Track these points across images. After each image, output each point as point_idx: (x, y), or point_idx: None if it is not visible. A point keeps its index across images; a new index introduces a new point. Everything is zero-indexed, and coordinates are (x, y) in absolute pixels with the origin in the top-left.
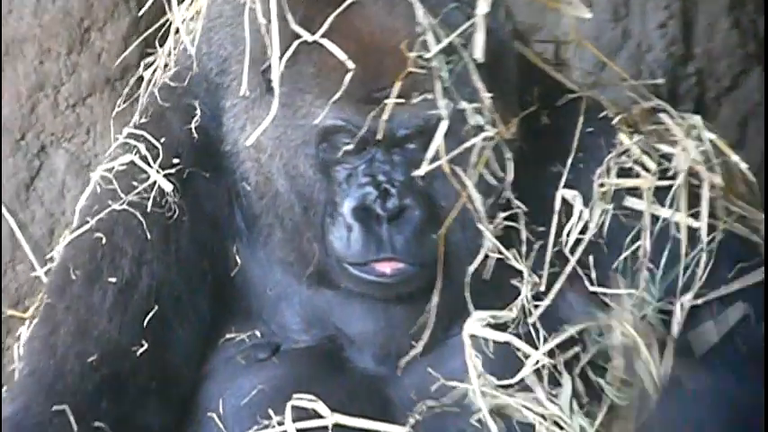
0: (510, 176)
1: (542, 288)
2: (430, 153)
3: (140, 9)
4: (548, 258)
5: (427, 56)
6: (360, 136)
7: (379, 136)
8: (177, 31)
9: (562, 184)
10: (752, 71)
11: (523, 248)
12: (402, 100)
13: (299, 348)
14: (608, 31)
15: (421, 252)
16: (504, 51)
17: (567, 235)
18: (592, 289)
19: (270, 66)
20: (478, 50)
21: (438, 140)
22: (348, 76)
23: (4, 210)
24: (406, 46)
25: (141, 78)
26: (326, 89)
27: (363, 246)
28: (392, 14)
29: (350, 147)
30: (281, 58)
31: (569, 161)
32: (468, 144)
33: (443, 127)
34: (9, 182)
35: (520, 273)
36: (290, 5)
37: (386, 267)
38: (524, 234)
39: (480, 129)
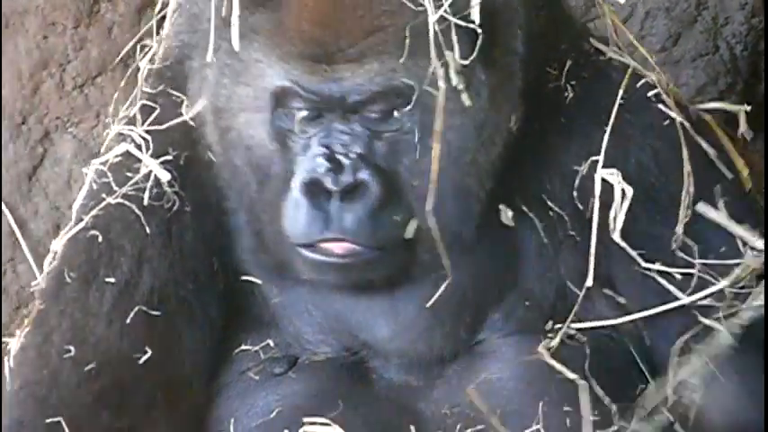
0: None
1: (589, 283)
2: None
3: None
4: (593, 249)
5: (432, 16)
6: (310, 101)
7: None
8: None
9: (600, 164)
10: None
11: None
12: (357, 62)
13: (319, 361)
14: (681, 1)
15: (377, 234)
16: (506, 14)
17: (614, 219)
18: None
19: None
20: (475, 10)
21: (439, 112)
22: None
23: (3, 205)
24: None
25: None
26: (279, 47)
27: (309, 223)
28: None
29: (303, 113)
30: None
31: (605, 139)
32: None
33: (441, 97)
34: (9, 172)
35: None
36: None
37: (336, 248)
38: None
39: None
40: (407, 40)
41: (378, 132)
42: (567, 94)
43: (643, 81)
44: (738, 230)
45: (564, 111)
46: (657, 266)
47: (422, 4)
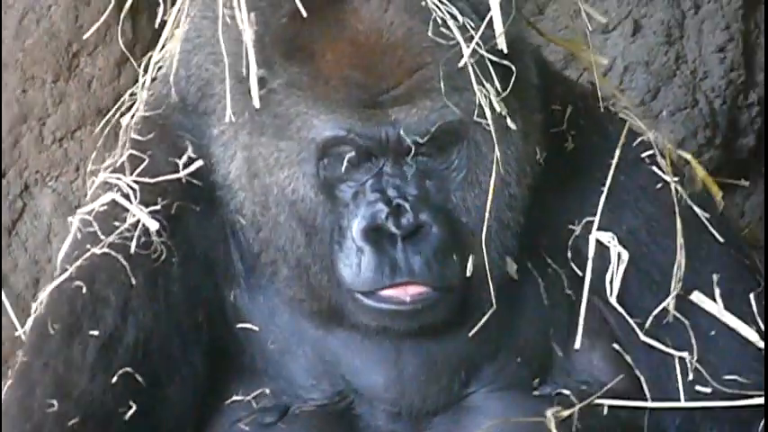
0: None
1: (577, 346)
2: None
3: (135, 31)
4: (583, 311)
5: (467, 50)
6: (364, 147)
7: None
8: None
9: (596, 225)
10: None
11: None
12: (408, 103)
13: (308, 410)
14: (660, 55)
15: (445, 273)
16: (521, 45)
17: (611, 283)
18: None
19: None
20: (501, 39)
21: (496, 141)
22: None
23: None
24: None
25: (129, 109)
26: (323, 97)
27: (376, 270)
28: (388, 10)
29: (354, 160)
30: (260, 67)
31: (602, 199)
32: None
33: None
34: None
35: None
36: (272, 12)
37: (404, 294)
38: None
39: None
40: (449, 76)
41: (428, 172)
42: (567, 144)
43: (639, 140)
44: (736, 325)
45: (563, 161)
46: (655, 343)
47: (453, 39)
